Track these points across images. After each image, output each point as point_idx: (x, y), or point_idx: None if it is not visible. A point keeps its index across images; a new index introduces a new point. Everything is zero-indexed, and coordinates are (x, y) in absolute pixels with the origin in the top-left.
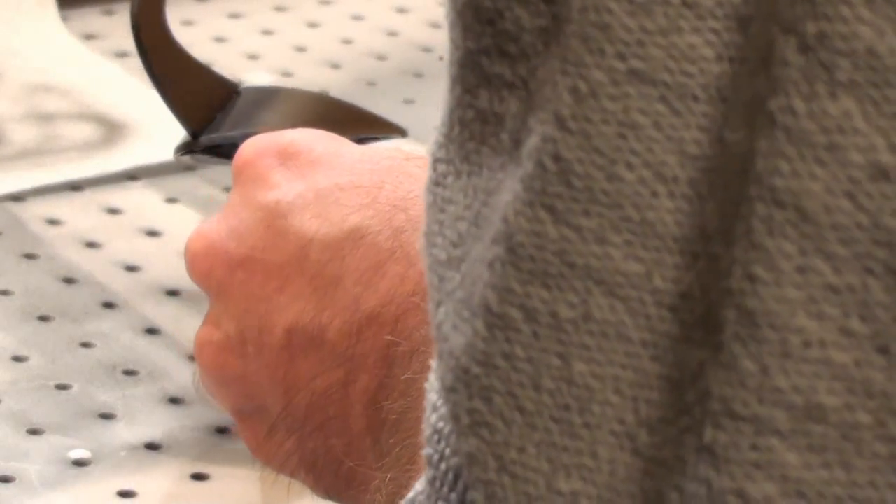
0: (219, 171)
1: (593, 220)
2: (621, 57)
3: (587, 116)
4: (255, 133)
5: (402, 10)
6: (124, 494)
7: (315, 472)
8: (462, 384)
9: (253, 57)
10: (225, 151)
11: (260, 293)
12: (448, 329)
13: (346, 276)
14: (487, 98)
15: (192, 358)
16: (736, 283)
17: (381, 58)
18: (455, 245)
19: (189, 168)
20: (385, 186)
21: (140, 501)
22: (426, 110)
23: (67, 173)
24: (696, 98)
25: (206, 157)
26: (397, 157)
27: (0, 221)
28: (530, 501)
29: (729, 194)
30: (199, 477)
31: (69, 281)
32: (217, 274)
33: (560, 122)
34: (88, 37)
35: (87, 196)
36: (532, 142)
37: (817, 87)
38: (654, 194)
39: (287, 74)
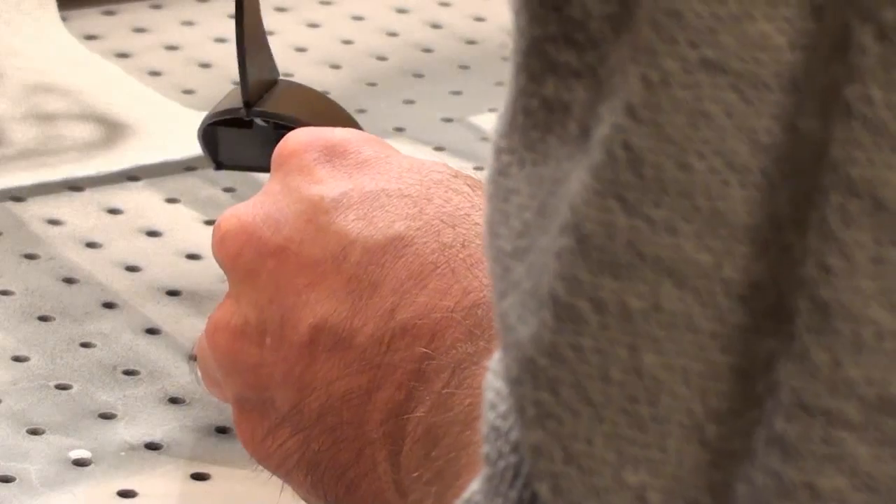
0: (219, 172)
1: (663, 210)
2: (693, 45)
3: (658, 105)
4: (300, 121)
5: (402, 10)
6: (124, 494)
7: (315, 475)
8: (528, 375)
9: None
10: (217, 155)
11: (289, 285)
12: (513, 320)
13: (385, 284)
14: (554, 86)
15: (192, 358)
16: (809, 273)
17: (381, 58)
18: (520, 235)
19: (189, 168)
20: (434, 200)
21: (140, 501)
22: (426, 110)
23: (67, 173)
24: (768, 86)
25: (214, 142)
26: (445, 172)
27: (0, 221)
28: (597, 493)
29: (802, 183)
30: (199, 477)
31: (69, 281)
32: (246, 258)
33: (630, 111)
34: (88, 37)
35: (87, 196)
36: (601, 131)
37: (895, 76)
38: (725, 183)
39: (287, 74)
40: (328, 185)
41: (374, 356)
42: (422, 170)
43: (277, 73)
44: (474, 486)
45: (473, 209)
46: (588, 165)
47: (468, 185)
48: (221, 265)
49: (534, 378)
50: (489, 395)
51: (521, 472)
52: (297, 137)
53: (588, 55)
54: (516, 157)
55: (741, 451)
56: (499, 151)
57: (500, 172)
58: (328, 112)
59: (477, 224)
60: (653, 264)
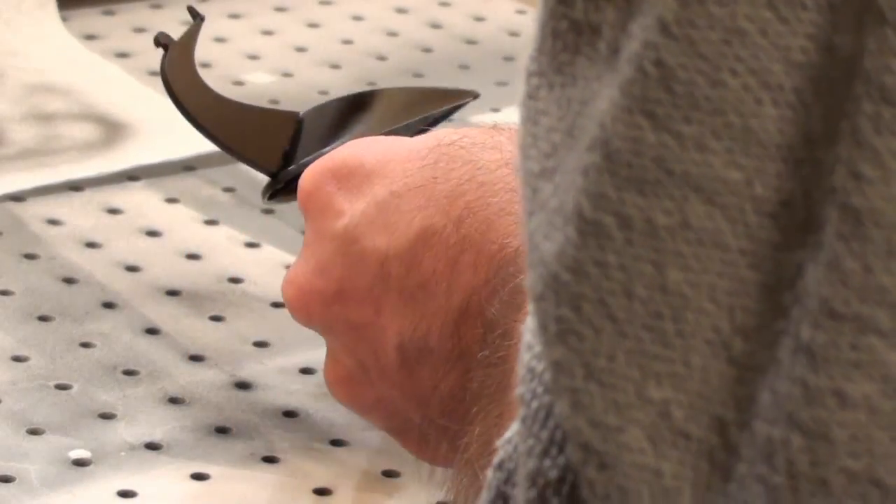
0: (219, 172)
1: (694, 126)
2: None
3: (692, 22)
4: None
5: (402, 10)
6: (124, 494)
7: (480, 463)
8: (551, 291)
9: (253, 57)
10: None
11: (360, 320)
12: (539, 238)
13: (428, 281)
14: (583, 8)
15: (192, 358)
16: (840, 181)
17: (381, 58)
18: (548, 156)
19: (189, 168)
20: (437, 179)
21: (140, 501)
22: None
23: (67, 173)
24: (804, 5)
25: (291, 196)
26: (442, 142)
27: (0, 221)
28: (619, 409)
29: (835, 100)
30: (199, 477)
31: (69, 281)
32: (316, 314)
33: (663, 28)
34: (88, 37)
35: (87, 196)
36: (632, 48)
37: None
38: (758, 101)
39: (287, 74)
40: (347, 213)
41: (450, 350)
42: (420, 151)
43: (288, 113)
44: (514, 426)
45: (475, 170)
46: (617, 82)
47: (463, 146)
48: (307, 327)
49: (556, 294)
50: (527, 337)
51: (552, 412)
52: (307, 178)
53: None
54: (545, 80)
55: (767, 363)
56: (529, 75)
57: (530, 96)
58: (371, 111)
59: (481, 185)
60: (680, 181)
